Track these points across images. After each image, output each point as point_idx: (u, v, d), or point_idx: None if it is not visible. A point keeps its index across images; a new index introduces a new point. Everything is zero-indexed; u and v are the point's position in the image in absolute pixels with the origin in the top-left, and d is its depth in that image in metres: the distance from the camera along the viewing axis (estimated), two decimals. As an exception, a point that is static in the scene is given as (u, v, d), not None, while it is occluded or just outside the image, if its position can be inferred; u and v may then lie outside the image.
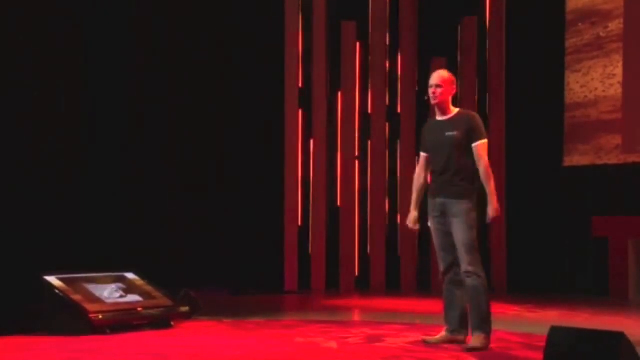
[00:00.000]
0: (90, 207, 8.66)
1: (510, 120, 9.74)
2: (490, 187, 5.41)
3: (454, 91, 5.66)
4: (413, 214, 5.82)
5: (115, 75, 9.06)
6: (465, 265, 5.42)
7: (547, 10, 9.94)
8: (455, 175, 5.48)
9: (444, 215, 5.52)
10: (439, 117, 5.66)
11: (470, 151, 5.48)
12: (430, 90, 5.60)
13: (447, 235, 5.53)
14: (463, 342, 5.49)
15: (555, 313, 7.70)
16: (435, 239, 5.64)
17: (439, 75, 5.63)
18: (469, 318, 5.48)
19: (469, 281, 5.41)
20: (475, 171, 5.46)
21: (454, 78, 5.68)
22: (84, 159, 8.68)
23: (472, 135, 5.48)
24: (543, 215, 9.59)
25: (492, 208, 5.37)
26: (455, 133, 5.50)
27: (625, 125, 9.36)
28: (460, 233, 5.42)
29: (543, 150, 9.66)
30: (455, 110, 5.64)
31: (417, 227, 5.87)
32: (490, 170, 5.46)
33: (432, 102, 5.64)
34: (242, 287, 9.20)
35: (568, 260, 9.62)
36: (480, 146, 5.47)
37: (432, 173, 5.68)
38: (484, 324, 5.40)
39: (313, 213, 9.82)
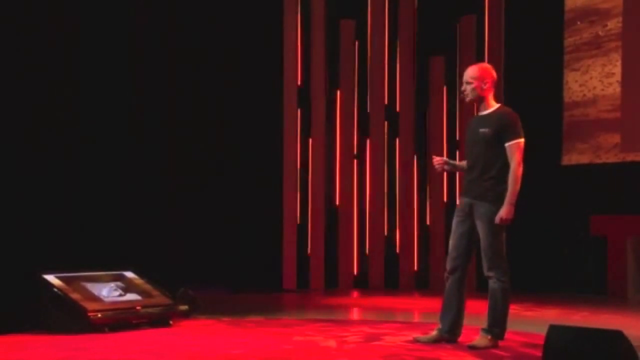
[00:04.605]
0: (90, 207, 8.65)
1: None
2: (511, 189, 5.25)
3: (489, 84, 5.42)
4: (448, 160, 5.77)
5: (115, 74, 9.05)
6: (485, 270, 5.41)
7: (545, 8, 9.94)
8: (482, 173, 5.37)
9: (468, 216, 5.44)
10: (480, 113, 5.52)
11: (502, 150, 5.31)
12: (462, 89, 5.50)
13: (463, 237, 5.47)
14: (454, 343, 5.49)
15: (553, 312, 7.71)
16: (451, 238, 5.55)
17: (467, 72, 5.49)
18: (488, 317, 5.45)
19: (490, 283, 5.41)
20: (506, 172, 5.30)
21: (484, 73, 5.45)
22: (84, 158, 8.68)
23: (503, 133, 5.31)
24: (541, 214, 9.58)
25: (504, 209, 5.25)
26: (486, 130, 5.35)
27: (624, 124, 9.36)
28: (483, 237, 5.36)
29: (541, 149, 9.64)
30: (494, 106, 5.46)
31: (438, 161, 5.65)
32: (518, 172, 5.27)
33: (466, 100, 5.50)
34: (241, 285, 9.21)
35: (566, 259, 9.62)
36: (512, 146, 5.30)
37: (465, 170, 5.57)
38: (495, 327, 5.39)
39: (312, 212, 9.82)
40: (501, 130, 5.34)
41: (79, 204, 8.56)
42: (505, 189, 5.31)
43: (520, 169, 5.32)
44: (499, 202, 5.30)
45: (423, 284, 9.84)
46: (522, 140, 5.37)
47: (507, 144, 5.33)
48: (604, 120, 9.53)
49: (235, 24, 9.90)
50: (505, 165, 5.34)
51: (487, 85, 5.44)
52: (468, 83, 5.46)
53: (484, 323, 5.45)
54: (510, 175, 5.30)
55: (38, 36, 8.39)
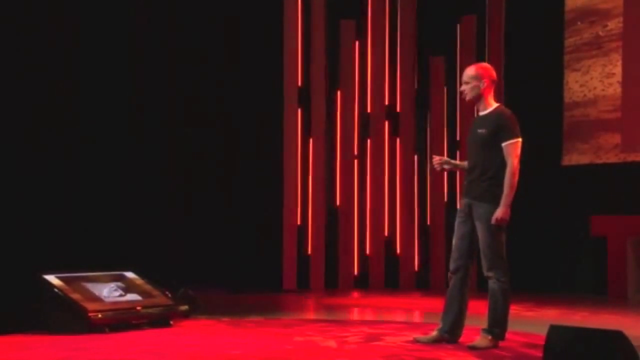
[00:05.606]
0: (90, 207, 8.66)
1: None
2: (507, 190, 5.24)
3: (486, 84, 5.40)
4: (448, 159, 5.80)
5: (115, 74, 9.05)
6: (484, 270, 5.41)
7: (546, 9, 9.94)
8: (481, 174, 5.36)
9: (468, 216, 5.44)
10: (479, 113, 5.52)
11: (499, 151, 5.29)
12: (461, 89, 5.53)
13: (464, 238, 5.46)
14: (454, 343, 5.49)
15: (554, 312, 7.71)
16: (454, 238, 5.56)
17: (465, 72, 5.50)
18: (487, 318, 5.45)
19: (489, 283, 5.41)
20: (504, 172, 5.27)
21: (482, 72, 5.44)
22: (84, 158, 8.68)
23: (500, 134, 5.30)
24: (542, 214, 9.58)
25: (499, 210, 5.23)
26: (483, 131, 5.34)
27: (624, 124, 9.36)
28: (482, 238, 5.35)
29: (542, 149, 9.65)
30: (493, 106, 5.44)
31: (438, 160, 5.68)
32: (515, 173, 5.25)
33: (465, 99, 5.52)
34: (241, 285, 9.21)
35: (567, 259, 9.62)
36: (508, 146, 5.28)
37: (466, 171, 5.57)
38: (495, 327, 5.39)
39: (312, 212, 9.81)
40: (498, 130, 5.34)
41: (79, 204, 8.56)
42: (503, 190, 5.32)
43: (517, 170, 5.30)
44: (497, 202, 5.30)
45: (423, 284, 9.84)
46: (518, 140, 5.36)
47: (503, 144, 5.32)
48: (605, 121, 9.53)
49: (235, 24, 9.90)
50: (504, 166, 5.33)
51: (485, 85, 5.43)
52: (466, 83, 5.48)
53: (484, 323, 5.45)
54: (506, 176, 5.29)
55: (38, 36, 8.39)
